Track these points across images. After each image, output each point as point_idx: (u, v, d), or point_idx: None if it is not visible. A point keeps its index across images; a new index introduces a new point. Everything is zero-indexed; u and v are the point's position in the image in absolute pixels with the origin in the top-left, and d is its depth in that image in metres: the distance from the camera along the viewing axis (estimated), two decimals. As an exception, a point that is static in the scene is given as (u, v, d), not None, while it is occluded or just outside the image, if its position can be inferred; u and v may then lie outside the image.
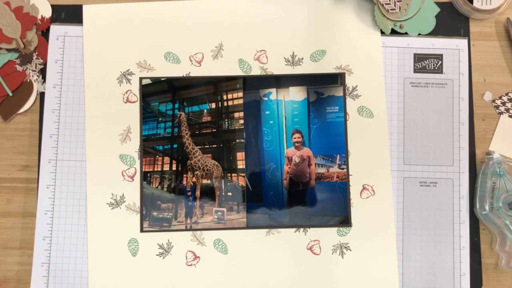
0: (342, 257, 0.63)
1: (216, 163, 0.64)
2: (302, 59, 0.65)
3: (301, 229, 0.63)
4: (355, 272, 0.62)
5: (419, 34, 0.66)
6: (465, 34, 0.67)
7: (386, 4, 0.65)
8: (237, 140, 0.64)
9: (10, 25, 0.65)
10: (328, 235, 0.63)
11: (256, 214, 0.63)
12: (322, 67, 0.65)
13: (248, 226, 0.63)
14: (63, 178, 0.64)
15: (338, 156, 0.64)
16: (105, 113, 0.64)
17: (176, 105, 0.65)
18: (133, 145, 0.64)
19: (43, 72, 0.66)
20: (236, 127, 0.65)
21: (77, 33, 0.66)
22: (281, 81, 0.65)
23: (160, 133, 0.65)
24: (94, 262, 0.62)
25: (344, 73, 0.65)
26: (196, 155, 0.64)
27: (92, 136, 0.64)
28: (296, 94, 0.65)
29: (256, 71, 0.65)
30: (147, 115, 0.65)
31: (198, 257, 0.63)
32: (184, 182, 0.64)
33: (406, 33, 0.66)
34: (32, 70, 0.66)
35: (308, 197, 0.64)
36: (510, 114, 0.66)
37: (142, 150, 0.64)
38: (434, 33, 0.66)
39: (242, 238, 0.63)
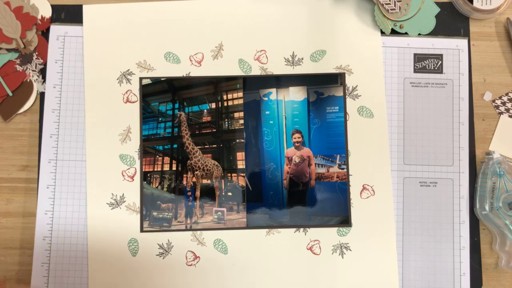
0: (342, 257, 0.63)
1: (216, 163, 0.64)
2: (302, 59, 0.65)
3: (301, 229, 0.63)
4: (355, 272, 0.62)
5: (419, 34, 0.66)
6: (465, 34, 0.67)
7: (386, 4, 0.65)
8: (237, 140, 0.64)
9: (10, 25, 0.65)
10: (328, 235, 0.63)
11: (256, 214, 0.63)
12: (322, 67, 0.65)
13: (248, 226, 0.63)
14: (63, 178, 0.64)
15: (338, 156, 0.64)
16: (105, 113, 0.64)
17: (176, 105, 0.65)
18: (133, 145, 0.64)
19: (43, 72, 0.66)
20: (236, 127, 0.65)
21: (77, 33, 0.66)
22: (281, 81, 0.65)
23: (160, 133, 0.65)
24: (94, 262, 0.62)
25: (344, 73, 0.65)
26: (196, 155, 0.64)
27: (92, 136, 0.64)
28: (296, 94, 0.65)
29: (256, 71, 0.65)
30: (147, 115, 0.65)
31: (198, 257, 0.63)
32: (184, 182, 0.64)
33: (406, 33, 0.66)
34: (32, 70, 0.66)
35: (308, 197, 0.64)
36: (510, 114, 0.66)
37: (142, 150, 0.64)
38: (434, 33, 0.66)
39: (242, 238, 0.63)
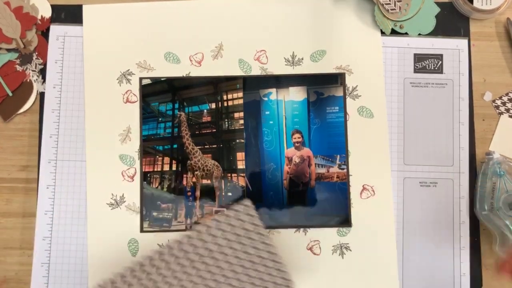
0: (342, 257, 0.63)
1: (216, 163, 0.64)
2: (302, 59, 0.65)
3: (301, 229, 0.63)
4: (355, 272, 0.62)
5: (419, 34, 0.66)
6: (465, 34, 0.67)
7: (386, 4, 0.65)
8: (237, 140, 0.64)
9: (10, 25, 0.65)
10: (328, 235, 0.63)
11: (256, 214, 0.63)
12: (322, 67, 0.65)
13: (248, 226, 0.63)
14: (63, 178, 0.64)
15: (338, 156, 0.64)
16: (105, 113, 0.64)
17: (176, 105, 0.65)
18: (133, 145, 0.64)
19: (43, 72, 0.66)
20: (236, 127, 0.65)
21: (77, 33, 0.66)
22: (281, 81, 0.65)
23: (160, 133, 0.65)
24: (94, 262, 0.62)
25: (344, 73, 0.65)
26: (196, 155, 0.64)
27: (92, 136, 0.64)
28: (296, 94, 0.65)
29: (256, 71, 0.65)
30: (147, 115, 0.65)
31: (198, 257, 0.63)
32: (184, 182, 0.64)
33: (406, 33, 0.66)
34: (32, 70, 0.66)
35: (308, 197, 0.64)
36: (510, 114, 0.66)
37: (142, 150, 0.64)
38: (434, 33, 0.66)
39: (242, 238, 0.63)
